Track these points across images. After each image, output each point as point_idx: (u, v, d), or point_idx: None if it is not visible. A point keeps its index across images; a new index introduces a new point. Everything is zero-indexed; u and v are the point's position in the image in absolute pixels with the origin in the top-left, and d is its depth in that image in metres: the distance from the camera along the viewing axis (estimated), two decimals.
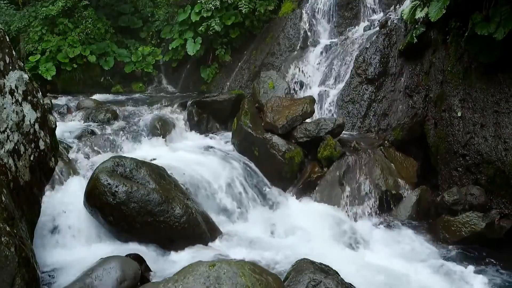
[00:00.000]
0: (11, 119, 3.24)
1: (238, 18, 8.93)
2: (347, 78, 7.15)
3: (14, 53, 3.45)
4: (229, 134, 6.76)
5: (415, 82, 6.47)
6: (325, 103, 7.19)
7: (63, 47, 9.30)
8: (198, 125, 7.08)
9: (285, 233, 4.87)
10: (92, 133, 6.11)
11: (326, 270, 3.38)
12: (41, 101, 3.68)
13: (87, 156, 5.57)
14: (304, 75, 7.78)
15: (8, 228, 2.71)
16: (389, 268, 4.19)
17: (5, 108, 3.19)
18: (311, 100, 6.30)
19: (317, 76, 7.70)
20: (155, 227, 4.22)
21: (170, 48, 9.69)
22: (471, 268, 4.29)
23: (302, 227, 4.94)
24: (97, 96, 8.66)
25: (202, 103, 7.18)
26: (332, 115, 6.97)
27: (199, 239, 4.41)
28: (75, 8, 9.70)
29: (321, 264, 3.45)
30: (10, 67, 3.34)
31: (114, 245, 4.22)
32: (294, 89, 7.69)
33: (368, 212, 5.30)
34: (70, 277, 3.49)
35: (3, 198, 2.84)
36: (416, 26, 6.43)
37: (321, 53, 7.96)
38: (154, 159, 5.33)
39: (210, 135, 7.02)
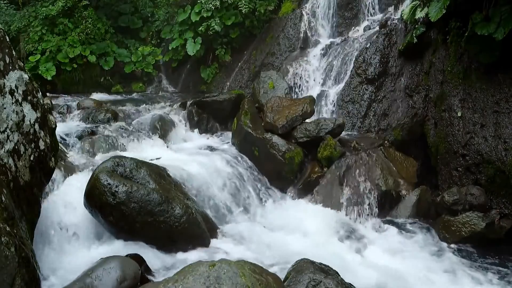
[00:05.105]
0: (11, 119, 3.24)
1: (238, 18, 8.93)
2: (347, 78, 7.15)
3: (14, 53, 3.45)
4: (229, 134, 6.76)
5: (415, 82, 6.47)
6: (325, 103, 7.19)
7: (63, 47, 9.30)
8: (198, 125, 7.08)
9: (285, 233, 4.87)
10: (92, 133, 6.10)
11: (326, 270, 3.38)
12: (41, 101, 3.68)
13: (87, 156, 5.57)
14: (304, 75, 7.77)
15: (8, 228, 2.71)
16: (389, 268, 4.19)
17: (5, 108, 3.19)
18: (311, 100, 6.30)
19: (317, 76, 7.69)
20: (155, 227, 4.22)
21: (170, 48, 9.69)
22: (471, 268, 4.29)
23: (302, 227, 4.94)
24: (97, 96, 8.65)
25: (202, 103, 7.18)
26: (332, 115, 6.97)
27: (199, 239, 4.41)
28: (75, 8, 9.70)
29: (321, 264, 3.45)
30: (10, 67, 3.34)
31: (114, 245, 4.22)
32: (294, 89, 7.69)
33: (368, 212, 5.30)
34: (70, 277, 3.49)
35: (3, 198, 2.84)
36: (416, 26, 6.43)
37: (321, 53, 7.95)
38: (153, 159, 5.33)
39: (210, 135, 7.03)
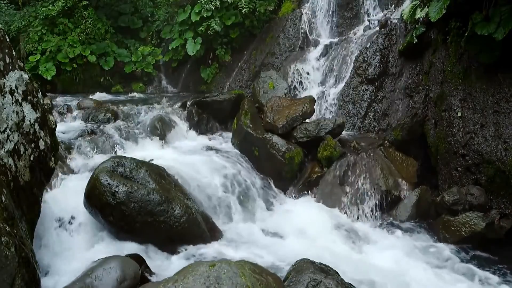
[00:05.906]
0: (11, 119, 3.24)
1: (238, 18, 8.93)
2: (347, 78, 7.15)
3: (14, 53, 3.45)
4: (229, 134, 6.76)
5: (415, 82, 6.47)
6: (325, 103, 7.19)
7: (63, 47, 9.31)
8: (198, 125, 7.08)
9: (285, 233, 4.87)
10: (92, 133, 6.10)
11: (326, 270, 3.38)
12: (41, 101, 3.68)
13: (87, 156, 5.57)
14: (304, 75, 7.77)
15: (8, 228, 2.71)
16: (389, 268, 4.19)
17: (5, 108, 3.19)
18: (311, 100, 6.30)
19: (317, 76, 7.69)
20: (155, 227, 4.22)
21: (170, 48, 9.70)
22: (471, 268, 4.29)
23: (302, 227, 4.94)
24: (97, 96, 8.65)
25: (202, 103, 7.18)
26: (332, 115, 6.97)
27: (199, 239, 4.41)
28: (75, 8, 9.71)
29: (321, 264, 3.45)
30: (10, 67, 3.34)
31: (114, 245, 4.21)
32: (294, 89, 7.69)
33: (368, 212, 5.30)
34: (70, 277, 3.50)
35: (3, 198, 2.83)
36: (416, 26, 6.43)
37: (321, 53, 7.95)
38: (152, 159, 5.33)
39: (210, 135, 7.03)
